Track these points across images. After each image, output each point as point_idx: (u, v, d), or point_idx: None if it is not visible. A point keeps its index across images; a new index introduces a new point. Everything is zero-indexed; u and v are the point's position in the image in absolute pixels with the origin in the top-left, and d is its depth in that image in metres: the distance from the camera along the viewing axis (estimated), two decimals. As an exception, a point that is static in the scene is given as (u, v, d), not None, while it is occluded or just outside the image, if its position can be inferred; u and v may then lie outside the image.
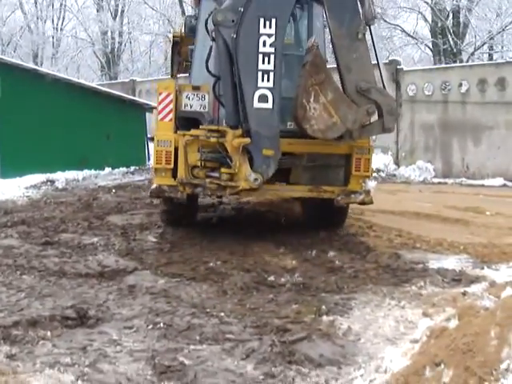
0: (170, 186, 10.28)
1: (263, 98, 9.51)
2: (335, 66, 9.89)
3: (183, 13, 33.54)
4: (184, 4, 36.67)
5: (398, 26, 32.27)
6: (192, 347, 6.00)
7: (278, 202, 13.77)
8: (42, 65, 41.99)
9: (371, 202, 10.60)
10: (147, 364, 5.61)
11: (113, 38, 42.69)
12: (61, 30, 46.71)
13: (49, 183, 19.44)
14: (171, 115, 10.40)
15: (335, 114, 9.42)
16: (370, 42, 9.97)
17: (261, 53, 9.47)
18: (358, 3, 9.75)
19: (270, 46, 9.50)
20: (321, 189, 10.39)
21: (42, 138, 20.46)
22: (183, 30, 12.75)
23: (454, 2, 28.67)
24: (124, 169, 21.98)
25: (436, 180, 18.99)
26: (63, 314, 6.82)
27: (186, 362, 5.65)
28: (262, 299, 7.47)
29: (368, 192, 10.46)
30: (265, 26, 9.47)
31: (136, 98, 22.55)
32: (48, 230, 11.94)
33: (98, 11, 43.41)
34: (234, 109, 9.74)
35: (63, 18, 46.88)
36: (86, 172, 21.13)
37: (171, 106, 10.42)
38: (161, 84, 11.15)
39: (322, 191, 10.39)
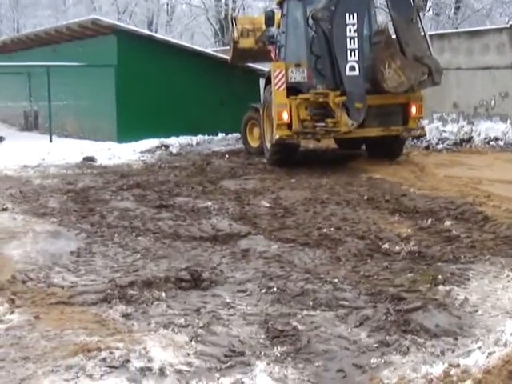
0: (288, 135, 14.37)
1: (352, 68, 13.73)
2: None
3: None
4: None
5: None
6: (305, 312, 5.97)
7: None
8: (156, 32, 42.51)
9: (425, 134, 15.97)
10: (260, 328, 5.61)
11: (226, 5, 42.67)
12: (175, -4, 47.19)
13: (163, 148, 19.77)
14: (284, 85, 14.50)
15: (402, 75, 13.90)
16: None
17: (348, 37, 13.68)
18: None
19: (354, 31, 13.74)
20: (390, 128, 14.53)
21: (156, 104, 20.80)
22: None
23: None
24: (237, 134, 22.03)
25: (557, 149, 18.20)
26: (177, 276, 6.92)
27: (299, 327, 5.62)
28: (377, 267, 7.36)
29: (422, 128, 15.19)
30: (349, 19, 13.71)
31: (249, 64, 22.46)
32: (162, 194, 12.17)
33: (212, -22, 43.52)
34: (332, 77, 14.00)
35: (177, -15, 47.37)
36: (200, 137, 21.33)
37: (283, 79, 14.49)
38: (274, 64, 15.25)
39: (390, 130, 14.54)
